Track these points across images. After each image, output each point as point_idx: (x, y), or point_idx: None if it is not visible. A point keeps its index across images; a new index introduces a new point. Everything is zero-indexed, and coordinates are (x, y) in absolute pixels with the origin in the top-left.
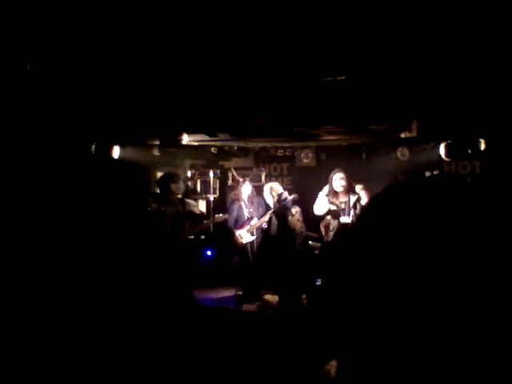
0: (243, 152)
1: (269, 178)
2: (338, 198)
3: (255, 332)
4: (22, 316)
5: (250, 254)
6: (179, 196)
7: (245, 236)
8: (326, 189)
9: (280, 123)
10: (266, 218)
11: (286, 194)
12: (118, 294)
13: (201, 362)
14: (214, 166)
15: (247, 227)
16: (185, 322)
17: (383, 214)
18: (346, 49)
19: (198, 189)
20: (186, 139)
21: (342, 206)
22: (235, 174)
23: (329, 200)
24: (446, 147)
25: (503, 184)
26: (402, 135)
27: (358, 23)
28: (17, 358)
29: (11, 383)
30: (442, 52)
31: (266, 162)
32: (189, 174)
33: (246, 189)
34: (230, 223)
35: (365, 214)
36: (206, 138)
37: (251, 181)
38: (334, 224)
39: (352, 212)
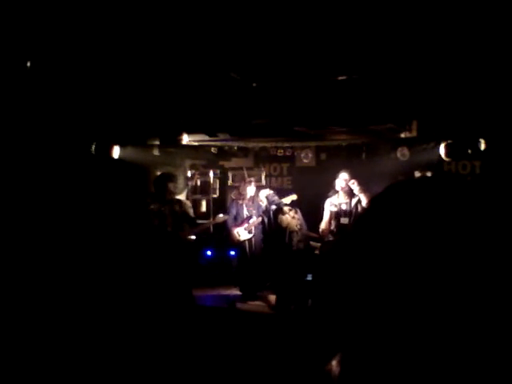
0: (243, 152)
1: (269, 178)
2: (338, 198)
3: (255, 332)
4: (22, 316)
5: (248, 252)
6: (177, 196)
7: (242, 234)
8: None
9: (280, 123)
10: (259, 219)
11: (272, 195)
12: (118, 294)
13: (200, 361)
14: (214, 166)
15: (245, 225)
16: (184, 321)
17: (384, 213)
18: (346, 49)
19: (198, 189)
20: (186, 139)
21: (343, 206)
22: (246, 173)
23: (330, 202)
24: (446, 147)
25: (503, 184)
26: (402, 135)
27: (358, 23)
28: (17, 357)
29: (11, 383)
30: (442, 52)
31: (266, 162)
32: (189, 173)
33: (252, 189)
34: (229, 220)
35: (366, 214)
36: (206, 137)
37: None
38: (333, 224)
39: (353, 213)
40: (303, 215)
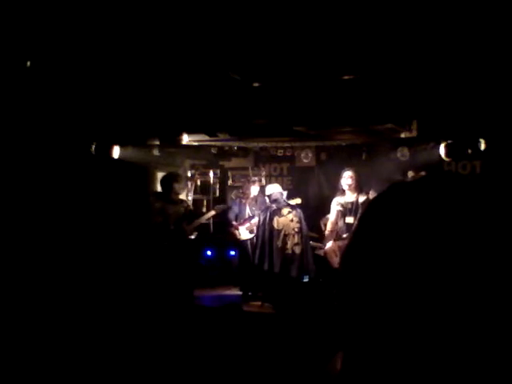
0: (243, 152)
1: (269, 178)
2: (344, 197)
3: (255, 332)
4: (22, 316)
5: (250, 252)
6: (181, 196)
7: (243, 233)
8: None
9: (280, 123)
10: (256, 219)
11: (276, 194)
12: (118, 294)
13: (201, 361)
14: (214, 166)
15: (247, 225)
16: (184, 321)
17: (388, 212)
18: (346, 49)
19: (198, 189)
20: (186, 139)
21: (349, 205)
22: (251, 173)
23: (337, 202)
24: (446, 147)
25: (503, 184)
26: (402, 135)
27: (359, 24)
28: (17, 357)
29: (11, 383)
30: (442, 52)
31: (266, 162)
32: (189, 173)
33: (255, 189)
34: (231, 217)
35: (369, 213)
36: (206, 137)
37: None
38: (340, 224)
39: (359, 212)
40: (304, 215)
